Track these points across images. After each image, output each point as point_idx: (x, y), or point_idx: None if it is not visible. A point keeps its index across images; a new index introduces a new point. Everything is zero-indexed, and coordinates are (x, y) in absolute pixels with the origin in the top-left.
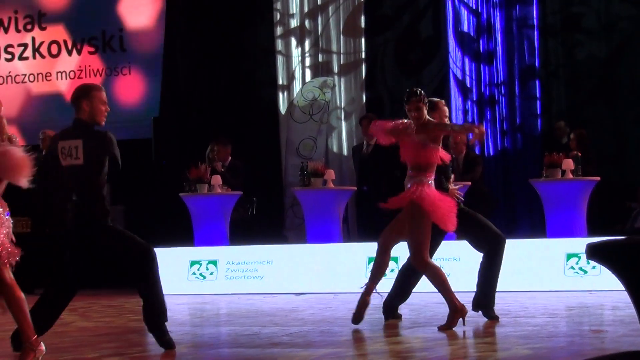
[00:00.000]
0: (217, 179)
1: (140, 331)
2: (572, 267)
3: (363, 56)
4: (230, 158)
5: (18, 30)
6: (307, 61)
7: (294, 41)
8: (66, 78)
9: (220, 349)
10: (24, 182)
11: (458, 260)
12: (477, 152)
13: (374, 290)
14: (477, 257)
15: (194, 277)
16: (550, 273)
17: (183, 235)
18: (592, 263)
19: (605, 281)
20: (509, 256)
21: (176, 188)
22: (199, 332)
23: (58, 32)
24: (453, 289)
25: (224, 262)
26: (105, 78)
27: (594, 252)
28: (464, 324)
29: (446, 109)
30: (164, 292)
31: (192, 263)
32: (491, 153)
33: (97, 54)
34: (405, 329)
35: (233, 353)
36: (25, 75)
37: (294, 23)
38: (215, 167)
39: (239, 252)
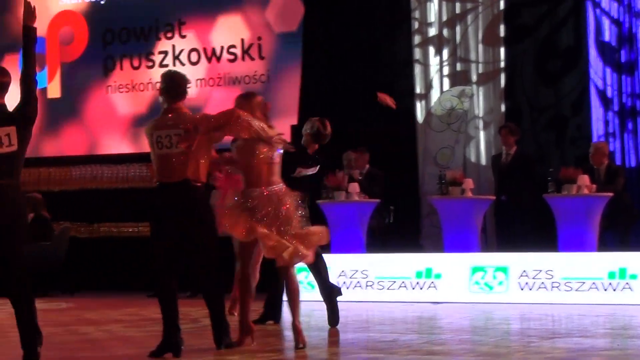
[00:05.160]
0: (354, 187)
1: (275, 334)
2: None
3: (502, 65)
4: (368, 166)
5: (158, 38)
6: (445, 70)
7: (432, 50)
8: (205, 85)
9: (359, 354)
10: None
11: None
12: (617, 164)
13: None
14: None
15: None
16: None
17: None
18: None
19: None
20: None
21: (313, 195)
22: (336, 338)
23: (197, 40)
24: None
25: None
26: (244, 86)
27: None
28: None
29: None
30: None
31: None
32: (632, 164)
33: (236, 62)
34: (545, 339)
35: (371, 359)
36: None
37: (432, 32)
38: (352, 174)
39: (375, 261)
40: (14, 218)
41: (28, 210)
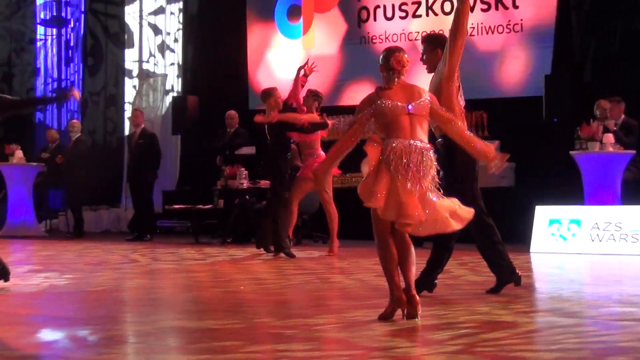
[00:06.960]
0: (609, 138)
1: (526, 287)
2: None
3: None
4: (623, 116)
5: None
6: None
7: None
8: None
9: (611, 307)
10: None
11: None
12: None
13: None
14: None
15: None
16: None
17: (574, 194)
18: None
19: None
20: None
21: (567, 146)
22: (589, 291)
23: None
24: None
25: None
26: (497, 36)
27: None
28: None
29: None
30: None
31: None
32: None
33: (489, 12)
34: None
35: (624, 312)
36: (418, 32)
37: None
38: (607, 125)
39: (630, 213)
40: None
41: None
